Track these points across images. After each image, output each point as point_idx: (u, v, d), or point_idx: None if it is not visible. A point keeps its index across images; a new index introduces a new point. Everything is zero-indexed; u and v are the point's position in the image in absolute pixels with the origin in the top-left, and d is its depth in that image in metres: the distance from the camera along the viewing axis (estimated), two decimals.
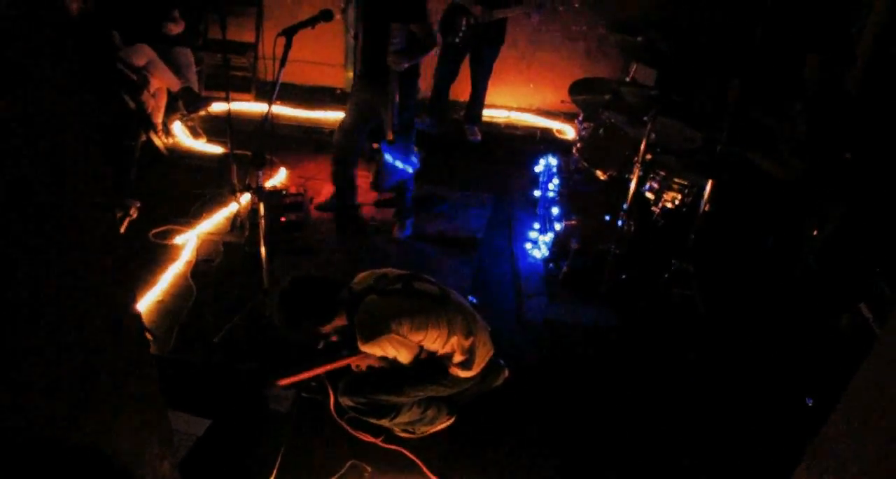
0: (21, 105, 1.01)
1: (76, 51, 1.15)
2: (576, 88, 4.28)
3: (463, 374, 2.70)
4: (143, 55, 4.41)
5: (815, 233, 3.59)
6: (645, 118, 3.44)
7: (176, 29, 4.75)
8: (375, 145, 3.84)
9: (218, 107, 5.14)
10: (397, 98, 3.57)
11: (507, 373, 2.90)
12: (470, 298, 3.23)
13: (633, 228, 3.78)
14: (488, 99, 5.44)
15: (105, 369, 1.52)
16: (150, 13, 4.62)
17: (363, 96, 3.76)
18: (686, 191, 3.74)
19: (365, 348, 2.57)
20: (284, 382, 2.66)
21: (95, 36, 4.27)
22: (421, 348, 2.62)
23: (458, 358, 2.65)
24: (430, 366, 2.70)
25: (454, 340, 2.60)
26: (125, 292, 1.57)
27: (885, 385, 1.22)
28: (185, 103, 4.83)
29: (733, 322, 3.62)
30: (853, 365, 1.32)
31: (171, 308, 3.45)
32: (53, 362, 1.27)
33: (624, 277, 3.78)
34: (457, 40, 4.72)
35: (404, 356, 2.61)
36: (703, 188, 3.60)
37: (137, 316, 1.77)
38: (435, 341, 2.58)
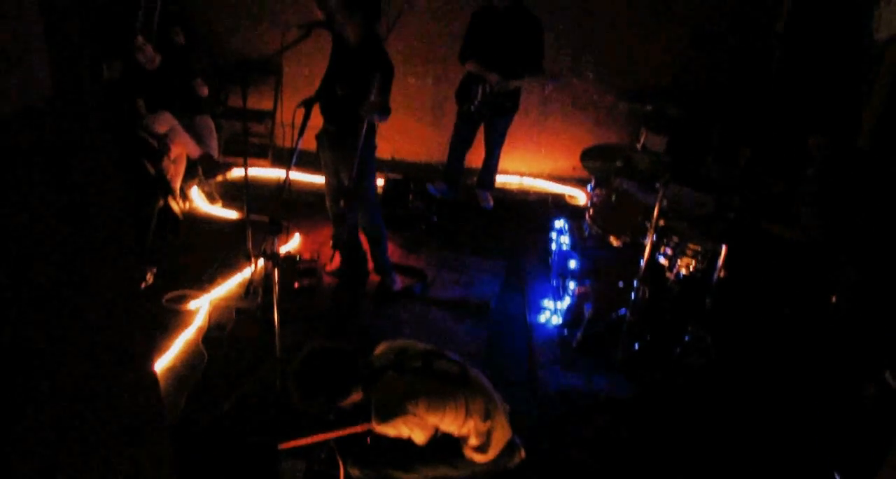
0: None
1: (107, 122, 1.30)
2: (588, 155, 4.35)
3: (478, 458, 2.64)
4: (166, 122, 4.56)
5: (833, 300, 3.55)
6: (657, 185, 3.48)
7: (203, 92, 4.95)
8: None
9: (235, 172, 5.27)
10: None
11: (522, 454, 2.81)
12: None
13: (647, 294, 3.77)
14: (501, 165, 5.54)
15: (123, 430, 1.57)
16: (175, 82, 4.80)
17: (327, 155, 3.92)
18: (700, 257, 3.73)
19: (380, 429, 2.53)
20: (290, 444, 2.62)
21: (121, 104, 4.44)
22: (437, 429, 2.57)
23: (473, 442, 2.60)
24: (444, 446, 2.64)
25: (471, 423, 2.54)
26: (145, 352, 1.65)
27: None
28: (203, 170, 4.96)
29: (754, 391, 3.55)
30: (881, 436, 1.27)
31: (181, 374, 3.46)
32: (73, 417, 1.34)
33: (637, 345, 3.74)
34: (472, 109, 4.84)
35: (419, 437, 2.56)
36: (718, 254, 3.60)
37: (154, 379, 1.78)
38: (451, 424, 2.53)
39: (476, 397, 2.58)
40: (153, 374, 1.77)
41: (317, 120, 3.25)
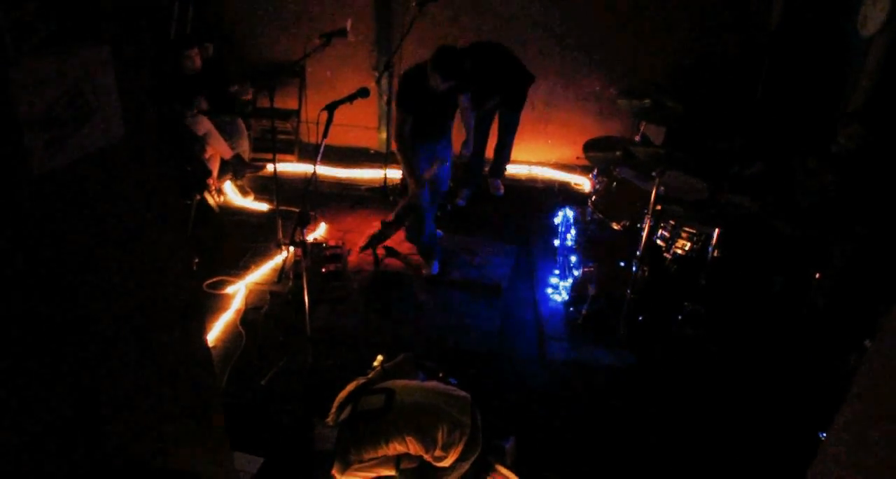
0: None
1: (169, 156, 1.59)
2: (589, 146, 4.60)
3: (445, 464, 2.66)
4: (203, 126, 4.93)
5: (818, 276, 3.80)
6: (654, 173, 3.75)
7: (247, 97, 5.34)
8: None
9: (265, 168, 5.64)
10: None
11: (509, 447, 2.90)
12: (451, 379, 3.25)
13: (646, 273, 4.05)
14: (511, 155, 5.82)
15: (182, 404, 1.86)
16: (211, 87, 5.19)
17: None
18: (695, 238, 4.01)
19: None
20: None
21: (162, 107, 4.81)
22: (397, 457, 2.66)
23: (427, 456, 2.63)
24: (419, 470, 2.72)
25: (409, 442, 2.58)
26: (198, 331, 1.94)
27: (880, 396, 1.32)
28: (234, 170, 5.33)
29: (745, 360, 3.79)
30: None
31: (222, 353, 3.71)
32: (142, 394, 1.63)
33: (640, 319, 4.03)
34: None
35: (384, 471, 2.67)
36: (711, 236, 3.88)
37: (208, 353, 2.08)
38: (396, 449, 2.61)
39: (405, 420, 2.60)
40: (207, 349, 2.02)
41: (338, 118, 3.53)
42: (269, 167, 5.72)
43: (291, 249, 4.27)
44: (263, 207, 5.36)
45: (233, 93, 5.30)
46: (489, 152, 5.74)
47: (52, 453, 1.35)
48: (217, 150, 5.05)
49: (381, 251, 4.71)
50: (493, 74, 5.06)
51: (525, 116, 5.55)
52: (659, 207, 3.94)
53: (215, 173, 5.07)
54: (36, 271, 1.22)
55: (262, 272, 4.51)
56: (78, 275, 1.33)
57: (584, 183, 6.07)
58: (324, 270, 4.45)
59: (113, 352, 1.50)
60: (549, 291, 4.45)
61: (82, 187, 1.32)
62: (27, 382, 1.25)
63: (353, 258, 4.70)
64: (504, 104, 5.34)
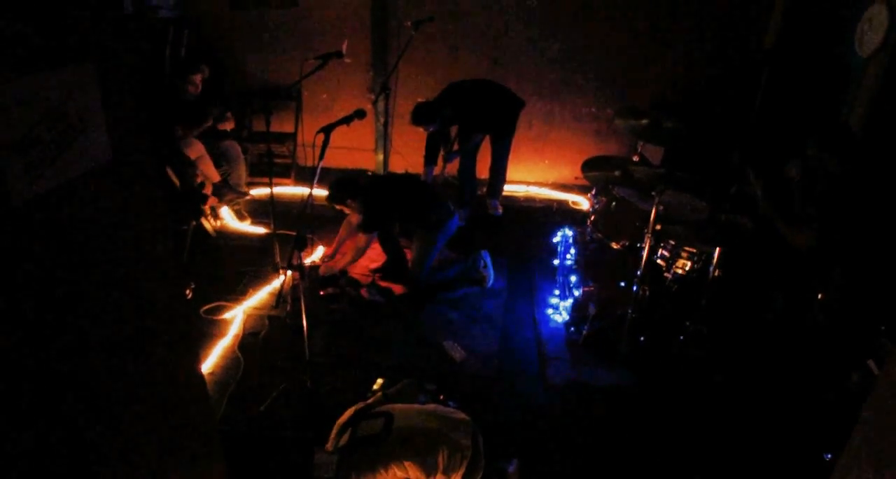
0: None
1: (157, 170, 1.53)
2: (588, 166, 4.59)
3: None
4: (196, 149, 4.93)
5: (820, 297, 3.77)
6: (653, 193, 3.74)
7: (226, 126, 5.31)
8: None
9: (261, 191, 5.62)
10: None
11: (513, 471, 2.87)
12: (450, 403, 3.23)
13: (646, 293, 4.01)
14: (507, 175, 5.82)
15: (178, 431, 1.81)
16: (204, 113, 5.19)
17: None
18: (695, 258, 3.99)
19: None
20: None
21: (156, 131, 4.82)
22: None
23: None
24: None
25: (409, 467, 2.55)
26: (191, 356, 1.89)
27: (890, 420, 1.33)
28: (220, 194, 5.34)
29: (747, 380, 3.76)
30: None
31: (221, 379, 3.65)
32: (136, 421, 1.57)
33: (641, 339, 3.99)
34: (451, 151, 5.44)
35: None
36: (712, 255, 3.85)
37: (201, 378, 2.03)
38: (396, 475, 2.57)
39: (404, 445, 2.57)
40: (200, 374, 1.97)
41: (335, 141, 3.52)
42: (254, 192, 5.75)
43: (289, 272, 4.25)
44: (260, 230, 5.34)
45: (212, 118, 5.29)
46: (484, 173, 5.74)
47: None
48: (206, 174, 5.04)
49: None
50: (477, 114, 5.19)
51: (522, 135, 5.58)
52: (659, 227, 3.92)
53: (210, 196, 5.07)
54: (17, 307, 1.16)
55: (259, 297, 4.47)
56: (63, 310, 1.27)
57: (582, 202, 6.06)
58: (322, 293, 4.41)
59: (101, 385, 1.44)
60: (550, 311, 4.42)
61: (68, 214, 1.26)
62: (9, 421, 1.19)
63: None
64: (494, 134, 5.41)
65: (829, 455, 3.25)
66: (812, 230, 3.63)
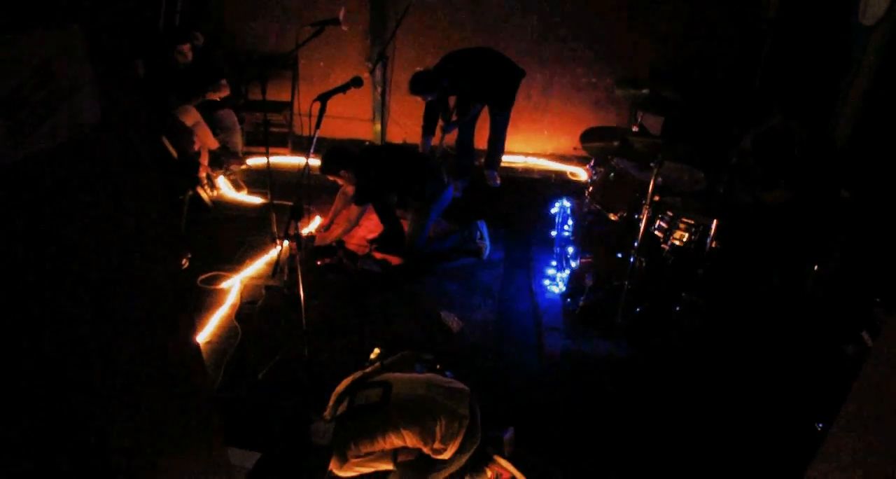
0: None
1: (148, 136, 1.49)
2: (587, 137, 4.56)
3: (445, 456, 2.64)
4: (192, 116, 4.87)
5: (815, 268, 3.78)
6: (652, 164, 3.71)
7: (220, 94, 5.24)
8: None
9: (258, 161, 5.58)
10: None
11: (507, 438, 2.89)
12: (447, 372, 3.21)
13: (643, 264, 4.01)
14: (506, 146, 5.78)
15: (174, 403, 1.80)
16: (201, 80, 5.12)
17: None
18: (693, 229, 3.97)
19: (343, 474, 2.67)
20: None
21: (150, 100, 4.76)
22: (393, 450, 2.64)
23: (426, 449, 2.62)
24: (417, 463, 2.69)
25: (406, 435, 2.56)
26: (188, 324, 1.88)
27: (883, 390, 1.34)
28: (217, 159, 5.29)
29: (743, 351, 3.78)
30: None
31: (218, 348, 3.67)
32: (131, 393, 1.57)
33: (638, 310, 4.00)
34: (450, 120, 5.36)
35: (382, 465, 2.67)
36: (709, 227, 3.84)
37: (197, 348, 2.03)
38: (393, 443, 2.59)
39: (402, 414, 2.58)
40: (196, 345, 1.96)
41: (332, 110, 3.48)
42: (250, 162, 5.70)
43: (286, 242, 4.25)
44: (257, 200, 5.31)
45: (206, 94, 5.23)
46: (482, 143, 5.69)
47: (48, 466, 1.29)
48: (204, 140, 4.99)
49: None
50: (476, 84, 5.11)
51: (521, 106, 5.52)
52: (657, 198, 3.90)
53: (206, 166, 5.02)
54: (6, 275, 1.13)
55: (256, 267, 4.48)
56: (55, 279, 1.25)
57: (580, 173, 6.03)
58: (318, 262, 4.41)
59: (100, 351, 1.43)
60: (547, 282, 4.42)
61: (54, 180, 1.22)
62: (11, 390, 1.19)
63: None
64: (493, 105, 5.32)
65: (821, 425, 3.29)
66: (781, 189, 3.66)
